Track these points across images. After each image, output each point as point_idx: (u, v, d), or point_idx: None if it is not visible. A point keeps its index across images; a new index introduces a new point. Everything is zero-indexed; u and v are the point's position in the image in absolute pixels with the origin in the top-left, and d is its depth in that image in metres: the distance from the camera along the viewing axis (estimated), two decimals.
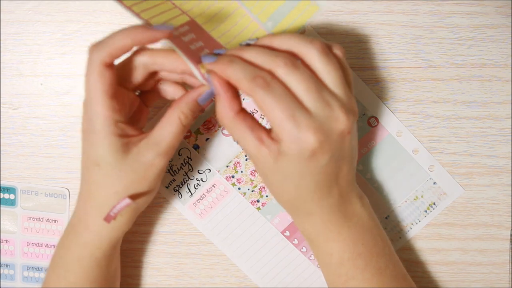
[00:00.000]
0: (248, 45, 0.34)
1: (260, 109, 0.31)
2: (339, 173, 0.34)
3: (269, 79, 0.31)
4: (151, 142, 0.34)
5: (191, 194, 0.43)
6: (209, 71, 0.32)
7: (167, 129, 0.34)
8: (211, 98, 0.35)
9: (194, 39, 0.34)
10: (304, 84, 0.31)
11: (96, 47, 0.32)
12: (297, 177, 0.33)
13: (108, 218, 0.34)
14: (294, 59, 0.32)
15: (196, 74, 0.33)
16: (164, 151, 0.34)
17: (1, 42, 0.41)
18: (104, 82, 0.32)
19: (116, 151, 0.33)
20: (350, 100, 0.32)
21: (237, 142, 0.34)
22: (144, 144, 0.34)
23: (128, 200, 0.34)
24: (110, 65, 0.32)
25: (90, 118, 0.33)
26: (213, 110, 0.41)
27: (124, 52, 0.32)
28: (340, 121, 0.31)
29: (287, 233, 0.44)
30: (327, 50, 0.32)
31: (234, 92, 0.33)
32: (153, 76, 0.36)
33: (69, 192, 0.43)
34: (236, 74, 0.31)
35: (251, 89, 0.31)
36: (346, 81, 0.33)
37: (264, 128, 0.33)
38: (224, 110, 0.32)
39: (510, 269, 0.44)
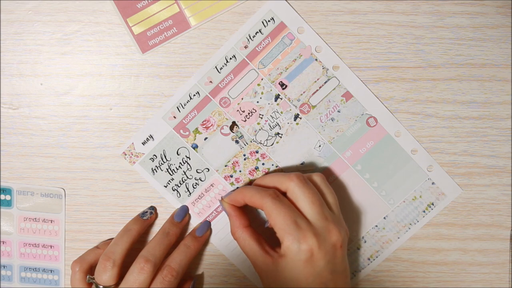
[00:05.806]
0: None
1: (268, 216, 0.36)
2: (336, 286, 0.36)
3: (277, 193, 0.37)
4: None
5: (190, 194, 0.43)
6: (221, 200, 0.41)
7: None
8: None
9: None
10: (310, 197, 0.36)
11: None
12: (294, 282, 0.36)
13: None
14: (305, 178, 0.38)
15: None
16: None
17: (1, 42, 0.41)
18: None
19: None
20: (341, 219, 0.38)
21: (245, 252, 0.38)
22: None
23: None
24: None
25: None
26: (211, 109, 0.41)
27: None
28: (333, 233, 0.36)
29: None
30: (322, 178, 0.39)
31: (242, 212, 0.40)
32: None
33: (64, 192, 0.43)
34: (249, 191, 0.38)
35: (262, 199, 0.36)
36: (333, 201, 0.38)
37: (267, 242, 0.38)
38: (235, 224, 0.39)
39: (510, 269, 0.44)
